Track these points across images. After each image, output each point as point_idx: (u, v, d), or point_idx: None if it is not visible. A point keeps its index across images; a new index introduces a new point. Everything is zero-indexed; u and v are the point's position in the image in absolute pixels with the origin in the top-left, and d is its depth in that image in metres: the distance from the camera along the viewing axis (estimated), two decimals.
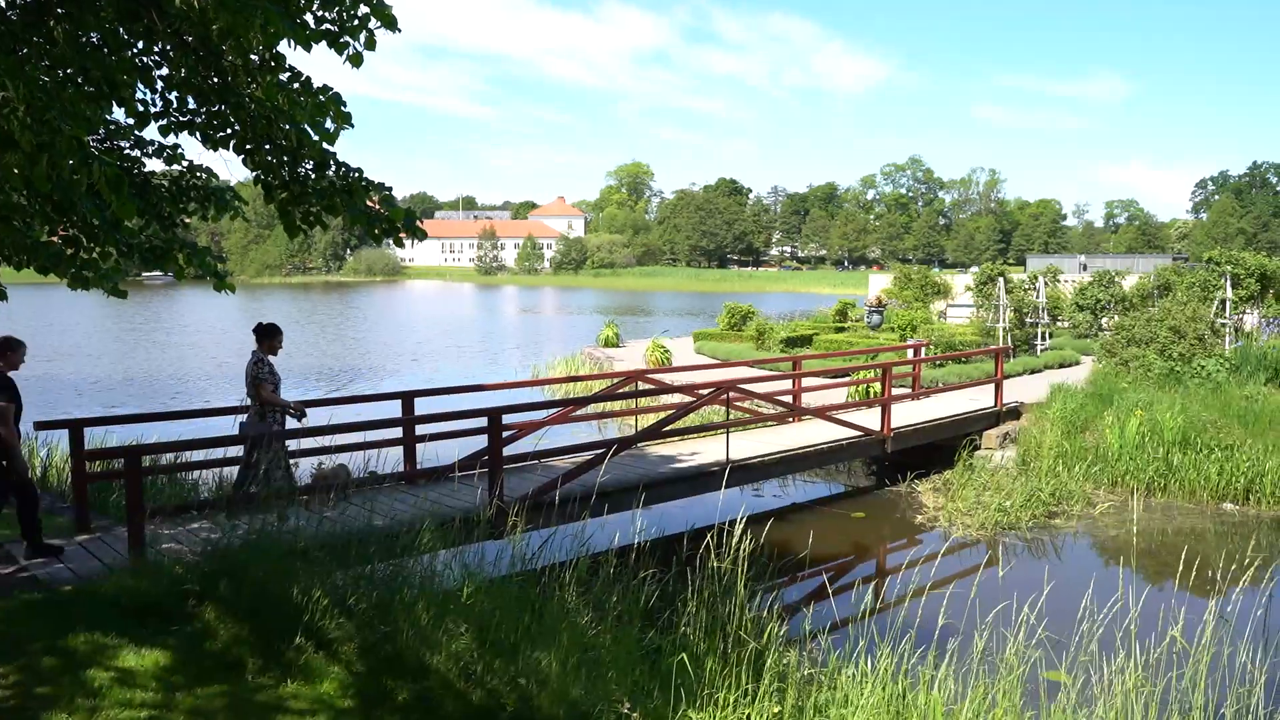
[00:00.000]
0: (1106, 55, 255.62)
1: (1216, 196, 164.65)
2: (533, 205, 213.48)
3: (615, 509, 11.52)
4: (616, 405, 17.03)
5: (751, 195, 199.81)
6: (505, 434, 12.20)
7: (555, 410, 14.22)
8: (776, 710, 6.07)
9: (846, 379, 19.46)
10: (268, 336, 10.32)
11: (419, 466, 12.35)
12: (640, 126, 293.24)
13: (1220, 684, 6.22)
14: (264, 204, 7.20)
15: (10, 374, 8.69)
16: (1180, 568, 8.76)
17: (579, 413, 15.58)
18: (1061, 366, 25.95)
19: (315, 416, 12.04)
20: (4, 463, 8.56)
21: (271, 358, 10.35)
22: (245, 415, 10.25)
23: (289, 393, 11.04)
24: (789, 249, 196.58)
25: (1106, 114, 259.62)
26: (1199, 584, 9.92)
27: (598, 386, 20.77)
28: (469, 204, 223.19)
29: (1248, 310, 29.50)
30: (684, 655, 6.31)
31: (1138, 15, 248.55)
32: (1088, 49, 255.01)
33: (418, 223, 6.92)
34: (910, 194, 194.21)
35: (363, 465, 11.80)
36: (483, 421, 11.59)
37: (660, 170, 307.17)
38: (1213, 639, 6.33)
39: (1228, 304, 25.50)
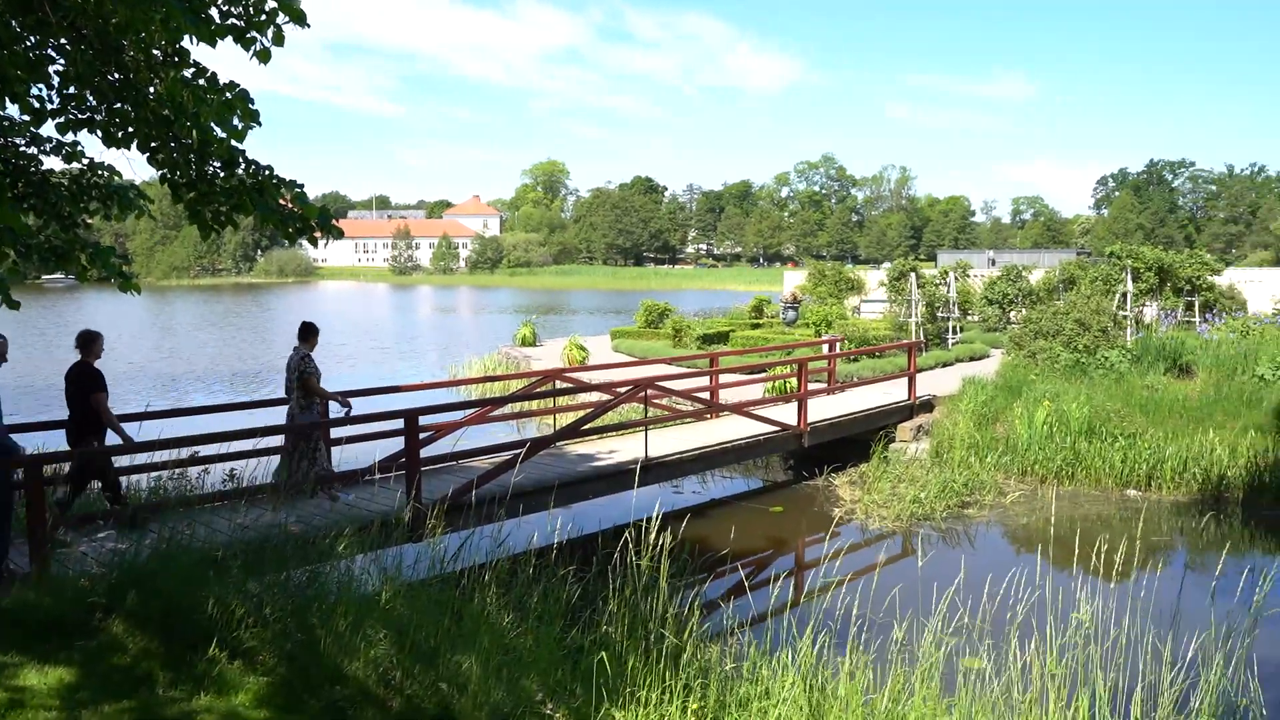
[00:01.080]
0: (1012, 56, 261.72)
1: (1117, 193, 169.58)
2: (448, 204, 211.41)
3: (534, 509, 11.47)
4: (534, 405, 16.97)
5: (667, 193, 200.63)
6: (422, 435, 12.07)
7: (472, 411, 14.12)
8: (698, 705, 6.08)
9: (763, 375, 19.63)
10: (314, 334, 11.30)
11: (335, 470, 12.16)
12: (555, 125, 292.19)
13: (1130, 664, 6.40)
14: (171, 204, 7.00)
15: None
16: (1088, 553, 8.98)
17: (496, 413, 15.49)
18: (972, 359, 26.52)
19: (230, 421, 11.79)
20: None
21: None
22: (288, 407, 11.16)
23: (215, 396, 10.86)
24: (705, 246, 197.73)
25: (1013, 113, 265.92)
26: (1106, 568, 10.21)
27: (515, 386, 20.65)
28: (383, 203, 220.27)
29: (1147, 302, 30.49)
30: (605, 654, 6.29)
31: (1041, 18, 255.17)
32: (994, 50, 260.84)
33: (334, 222, 6.79)
34: (824, 191, 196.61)
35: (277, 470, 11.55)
36: (399, 423, 11.45)
37: (576, 168, 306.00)
38: (1120, 621, 6.52)
39: (1129, 297, 26.29)
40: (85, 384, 9.52)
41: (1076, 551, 7.53)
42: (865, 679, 6.44)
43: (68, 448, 9.71)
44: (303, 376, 10.91)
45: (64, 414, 9.79)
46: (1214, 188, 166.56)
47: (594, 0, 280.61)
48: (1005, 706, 6.19)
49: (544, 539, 9.94)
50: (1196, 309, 30.46)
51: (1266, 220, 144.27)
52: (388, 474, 11.49)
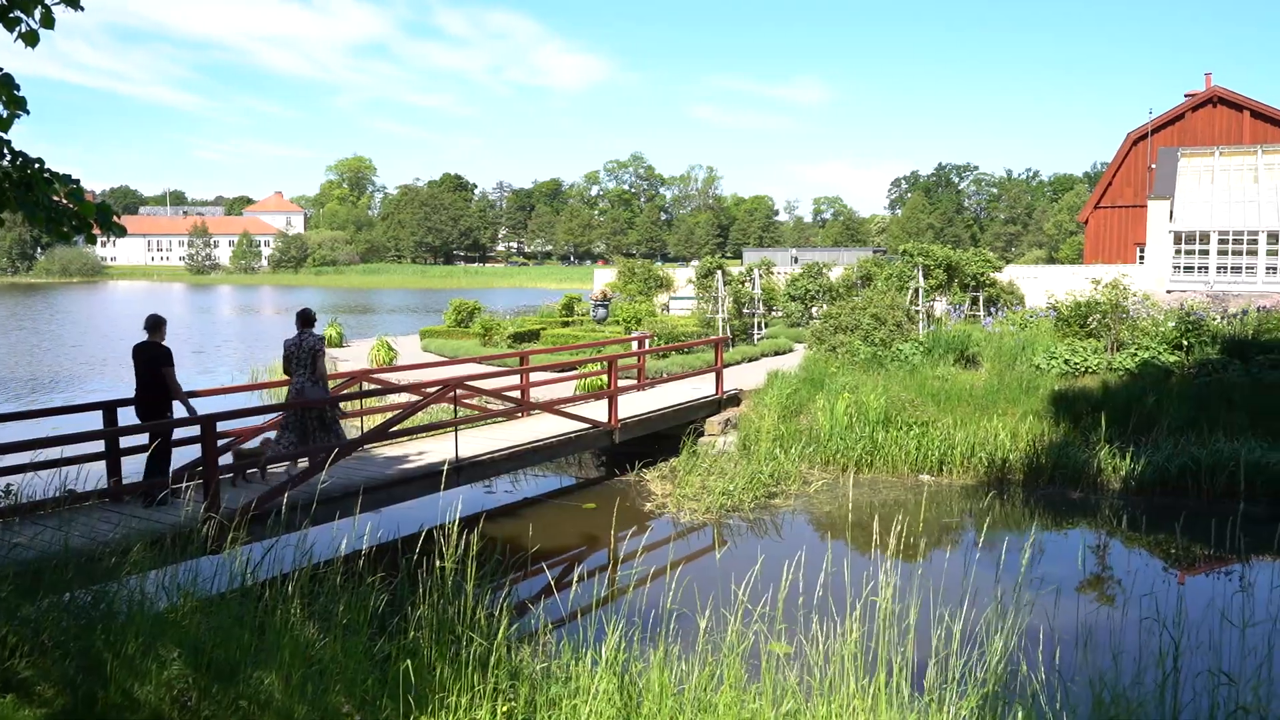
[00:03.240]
0: (811, 61, 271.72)
1: (909, 194, 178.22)
2: (248, 201, 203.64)
3: (342, 514, 11.12)
4: (341, 407, 16.45)
5: (477, 191, 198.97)
6: (222, 442, 11.55)
7: (275, 415, 13.60)
8: (508, 708, 6.04)
9: (574, 373, 19.69)
10: (314, 320, 12.71)
11: (125, 482, 11.48)
12: (361, 120, 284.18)
13: (924, 640, 6.72)
14: None
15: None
16: (886, 537, 9.41)
17: None
18: (777, 354, 27.33)
19: (7, 432, 11.01)
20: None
21: None
22: (300, 385, 12.46)
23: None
24: (515, 245, 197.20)
25: (813, 115, 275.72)
26: (903, 550, 10.70)
27: None
28: (178, 199, 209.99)
29: (937, 297, 32.17)
30: (414, 661, 6.17)
31: (838, 25, 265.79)
32: (794, 54, 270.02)
33: (115, 219, 6.37)
34: (633, 190, 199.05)
35: (60, 483, 10.81)
36: (195, 429, 10.91)
37: (383, 165, 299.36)
38: (915, 599, 6.84)
39: (920, 292, 27.66)
40: (158, 359, 10.96)
41: (875, 536, 7.85)
42: (677, 670, 6.55)
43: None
44: (316, 356, 12.43)
45: None
46: (995, 190, 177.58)
47: None
48: (808, 688, 6.40)
49: (351, 545, 9.68)
50: (981, 303, 32.34)
51: (1040, 221, 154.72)
52: (183, 484, 10.94)
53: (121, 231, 6.36)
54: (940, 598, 7.24)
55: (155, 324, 11.21)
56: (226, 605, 7.35)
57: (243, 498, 10.80)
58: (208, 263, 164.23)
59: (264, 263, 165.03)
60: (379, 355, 26.53)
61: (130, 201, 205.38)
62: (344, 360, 27.58)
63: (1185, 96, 57.33)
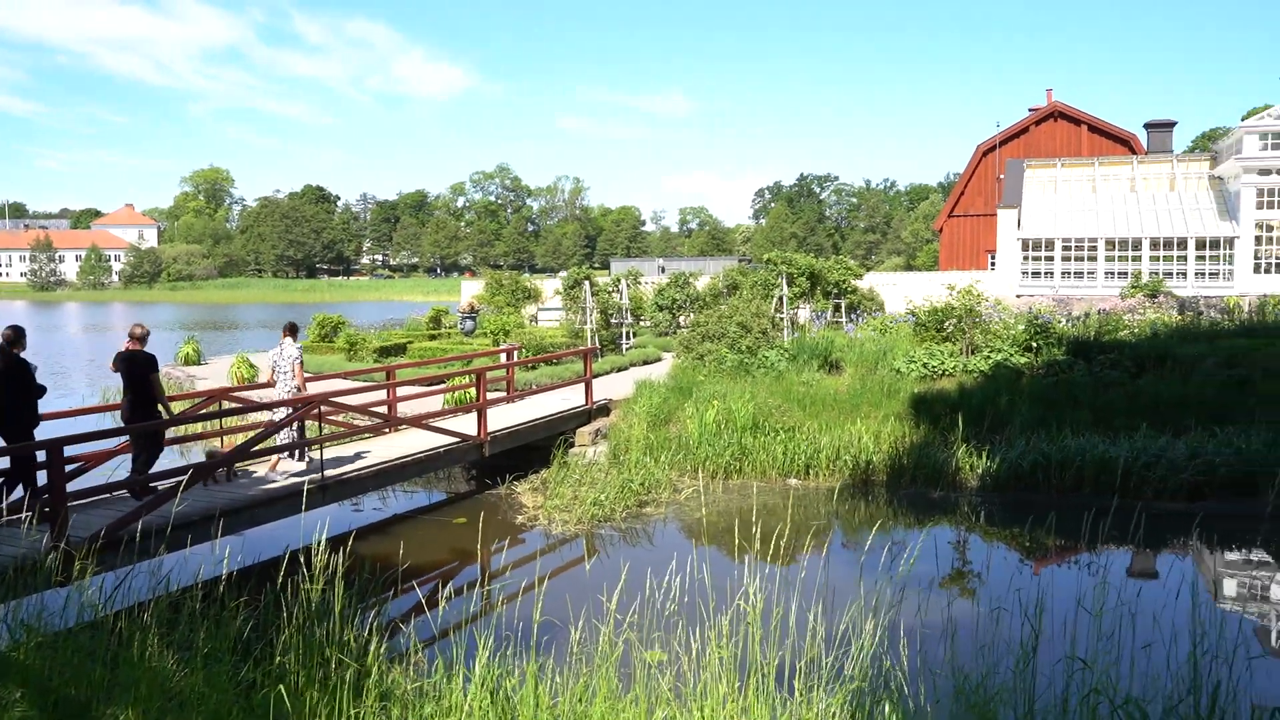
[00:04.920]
0: (677, 72, 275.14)
1: (773, 204, 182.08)
2: (97, 213, 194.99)
3: (203, 539, 10.76)
4: (200, 427, 15.96)
5: (340, 203, 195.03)
6: (71, 467, 11.01)
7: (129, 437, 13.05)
8: None
9: (443, 386, 19.47)
10: (298, 330, 14.44)
11: None
12: (216, 129, 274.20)
13: (793, 641, 6.85)
14: None
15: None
16: (755, 541, 9.57)
17: None
18: (646, 363, 27.52)
19: None
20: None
21: None
22: (289, 390, 14.00)
23: None
24: (380, 257, 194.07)
25: (678, 127, 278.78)
26: (772, 553, 10.88)
27: (179, 408, 19.28)
28: (18, 211, 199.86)
29: (801, 305, 32.85)
30: (280, 687, 5.99)
31: (702, 35, 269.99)
32: (660, 65, 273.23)
33: None
34: (500, 201, 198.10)
35: None
36: (41, 455, 10.40)
37: (241, 177, 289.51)
38: (784, 601, 6.96)
39: (785, 300, 28.21)
40: (145, 365, 11.83)
41: (745, 541, 7.98)
42: (551, 683, 6.52)
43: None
44: (295, 364, 13.97)
45: None
46: (855, 200, 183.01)
47: (256, 0, 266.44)
48: (681, 695, 6.44)
49: (212, 571, 9.35)
50: (843, 310, 33.17)
51: (898, 230, 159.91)
52: (19, 514, 10.38)
53: None
54: (809, 598, 7.39)
55: (143, 335, 12.11)
56: (76, 640, 7.01)
57: (93, 526, 10.33)
58: (53, 279, 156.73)
59: (115, 278, 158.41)
60: (240, 373, 25.72)
61: None
62: (202, 379, 26.63)
63: (1029, 111, 60.15)
